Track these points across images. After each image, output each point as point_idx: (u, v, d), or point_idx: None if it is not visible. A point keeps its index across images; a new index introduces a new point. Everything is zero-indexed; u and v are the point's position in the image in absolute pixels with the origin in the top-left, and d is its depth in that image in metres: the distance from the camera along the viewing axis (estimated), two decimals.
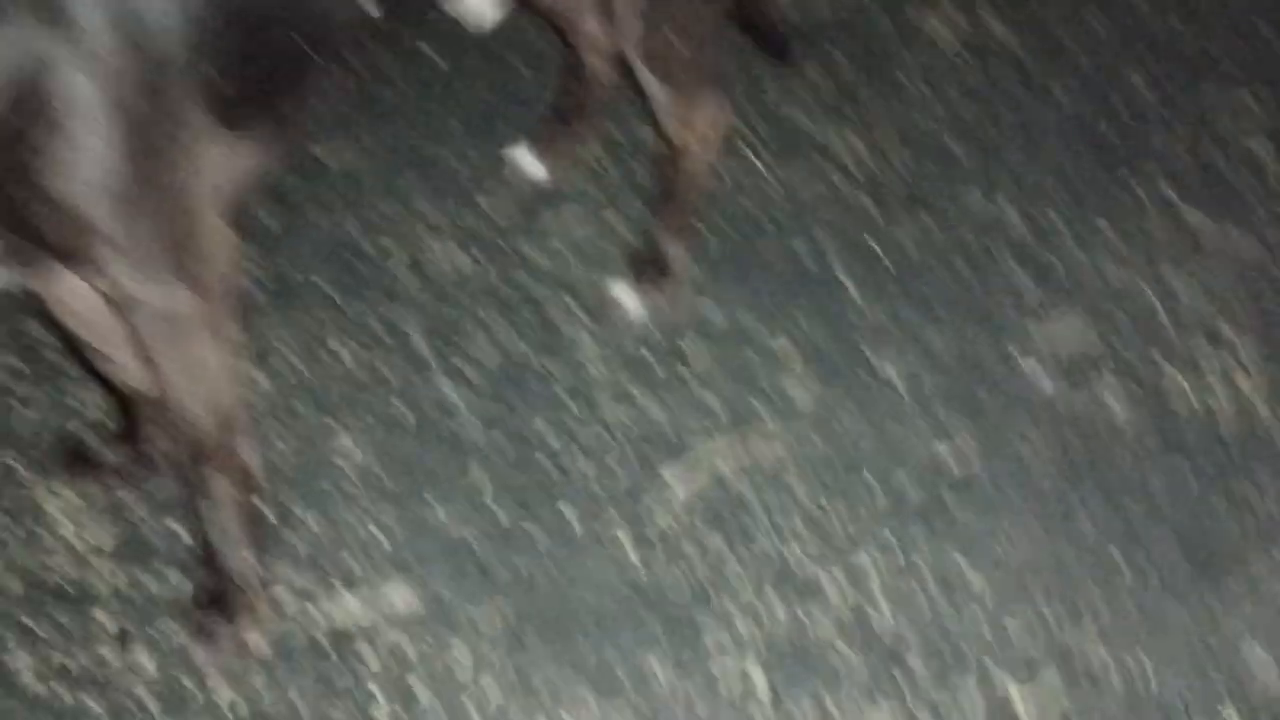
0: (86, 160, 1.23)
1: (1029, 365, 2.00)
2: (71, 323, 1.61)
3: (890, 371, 1.98)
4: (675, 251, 2.06)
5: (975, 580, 1.77)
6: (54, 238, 1.28)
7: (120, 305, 1.39)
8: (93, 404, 1.87)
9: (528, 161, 2.25)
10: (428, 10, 1.87)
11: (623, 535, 1.79)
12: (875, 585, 1.76)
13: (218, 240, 1.41)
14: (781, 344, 2.02)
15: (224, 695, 1.60)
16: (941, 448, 1.90)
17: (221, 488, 1.56)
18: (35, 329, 1.94)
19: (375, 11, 1.60)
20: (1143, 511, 1.85)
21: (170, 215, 1.33)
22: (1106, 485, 1.87)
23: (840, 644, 1.70)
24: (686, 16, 1.77)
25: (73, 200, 1.24)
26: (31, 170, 1.21)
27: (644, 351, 2.01)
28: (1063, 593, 1.76)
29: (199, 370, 1.45)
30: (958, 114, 2.40)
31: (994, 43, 2.55)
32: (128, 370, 1.65)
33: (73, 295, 1.52)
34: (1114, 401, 1.96)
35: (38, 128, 1.19)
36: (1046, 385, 1.98)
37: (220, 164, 1.40)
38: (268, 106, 1.47)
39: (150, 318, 1.39)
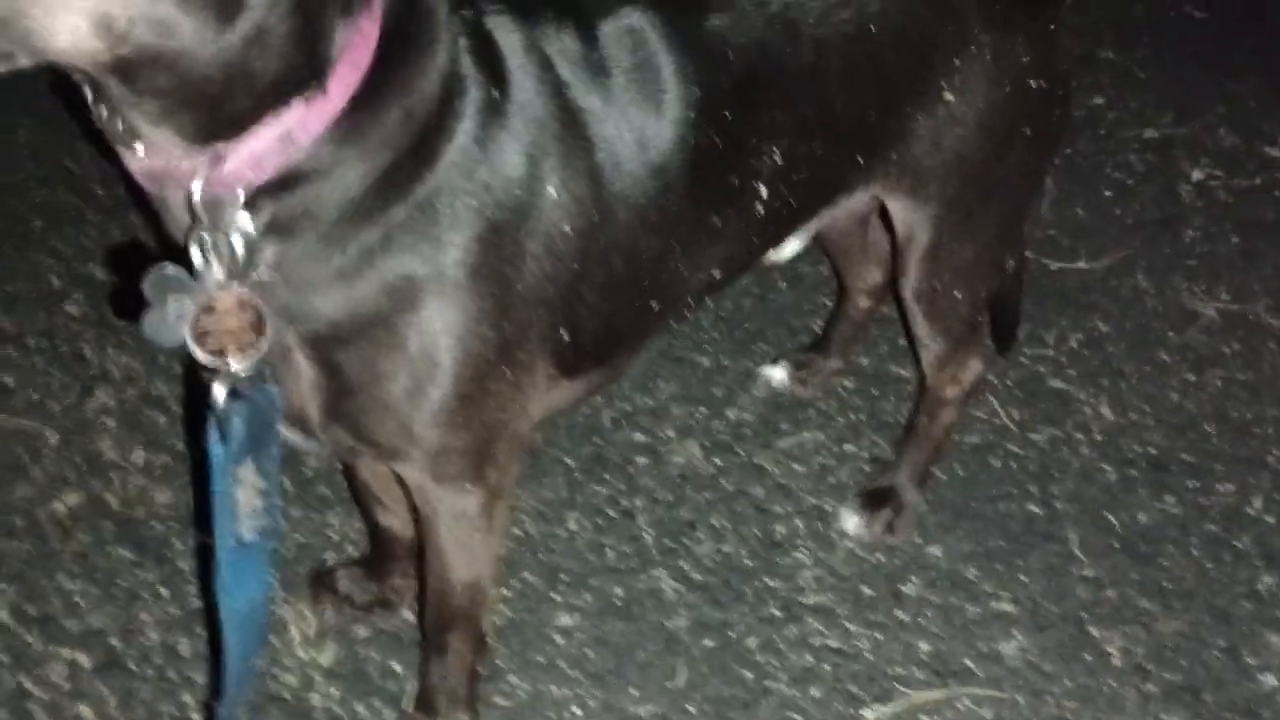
0: (425, 384, 1.34)
1: (1265, 677, 1.91)
2: (365, 471, 1.77)
3: (1112, 650, 1.93)
4: (910, 492, 2.10)
5: None
6: (378, 436, 1.39)
7: (415, 494, 1.51)
8: (348, 538, 2.03)
9: (780, 380, 2.35)
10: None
11: None
12: None
13: (518, 451, 1.52)
14: (1003, 603, 2.01)
15: None
16: None
17: (455, 648, 1.67)
18: (313, 462, 2.14)
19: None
20: None
21: (486, 438, 1.43)
22: None
23: None
24: (967, 272, 1.83)
25: (403, 411, 1.35)
26: (378, 376, 1.32)
27: (863, 586, 2.03)
28: None
29: (470, 556, 1.56)
30: (1218, 399, 2.37)
31: (1264, 331, 2.52)
32: (397, 517, 1.81)
33: None
34: None
35: (394, 342, 1.31)
36: None
37: (548, 400, 1.52)
38: (610, 359, 1.58)
39: (440, 510, 1.51)
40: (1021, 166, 1.76)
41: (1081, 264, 2.69)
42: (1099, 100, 3.23)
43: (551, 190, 1.34)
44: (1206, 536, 2.11)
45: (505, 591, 1.97)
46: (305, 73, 1.14)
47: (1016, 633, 1.96)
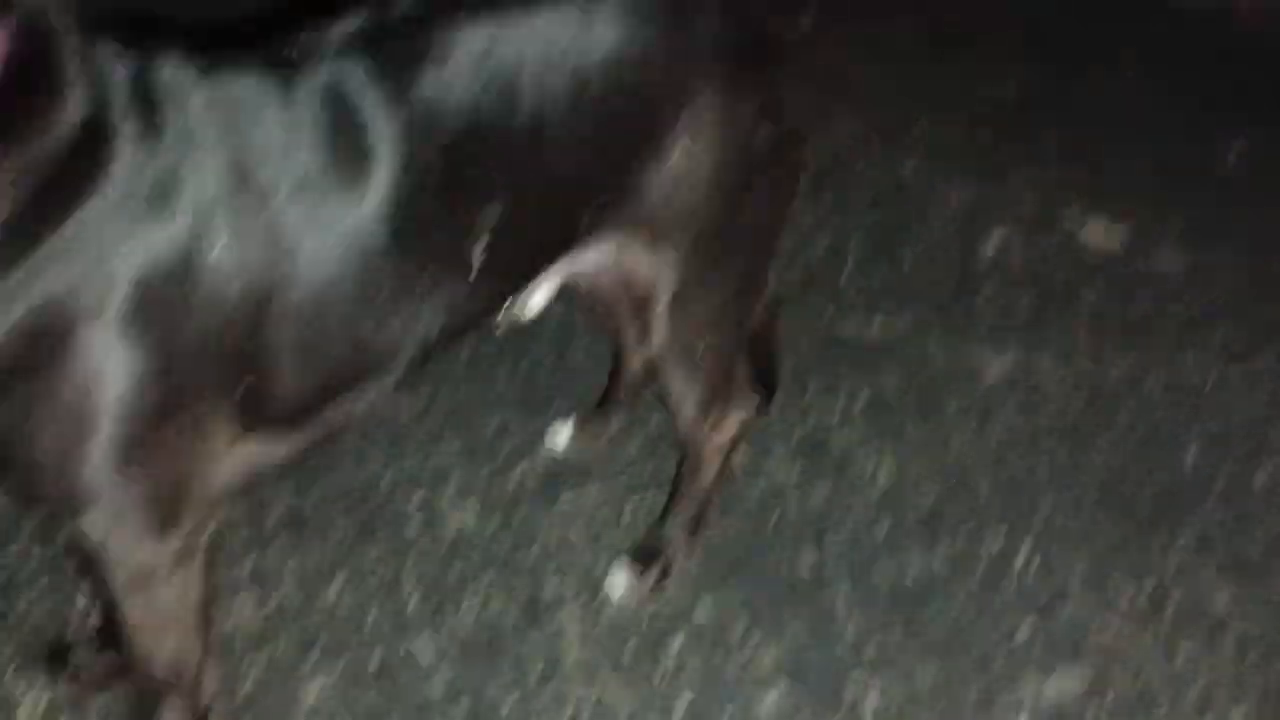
0: (83, 437, 1.28)
1: (1013, 717, 1.91)
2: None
3: (868, 705, 1.92)
4: (679, 548, 2.08)
5: None
6: (44, 490, 1.33)
7: (96, 558, 1.43)
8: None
9: (565, 439, 2.33)
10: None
11: None
12: None
13: (207, 506, 1.44)
14: (765, 655, 1.99)
15: None
16: None
17: (167, 717, 1.59)
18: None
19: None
20: None
21: (165, 496, 1.37)
22: None
23: None
24: (713, 322, 1.83)
25: (63, 465, 1.29)
26: (31, 430, 1.27)
27: (628, 644, 2.00)
28: None
29: (161, 617, 1.49)
30: (996, 453, 2.40)
31: (1045, 389, 2.57)
32: None
33: None
34: None
35: (45, 393, 1.25)
36: None
37: (241, 457, 1.45)
38: (314, 417, 1.50)
39: (120, 565, 1.42)
40: (757, 216, 1.78)
41: (877, 324, 2.73)
42: (908, 168, 3.32)
43: (219, 250, 1.29)
44: (971, 588, 2.12)
45: (254, 654, 1.90)
46: None
47: (777, 685, 1.94)
